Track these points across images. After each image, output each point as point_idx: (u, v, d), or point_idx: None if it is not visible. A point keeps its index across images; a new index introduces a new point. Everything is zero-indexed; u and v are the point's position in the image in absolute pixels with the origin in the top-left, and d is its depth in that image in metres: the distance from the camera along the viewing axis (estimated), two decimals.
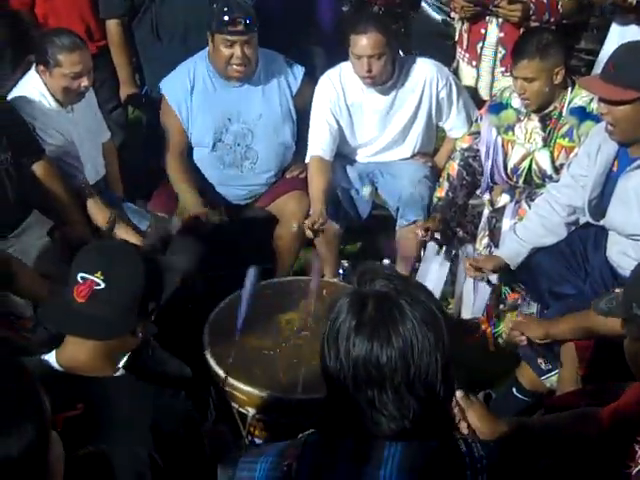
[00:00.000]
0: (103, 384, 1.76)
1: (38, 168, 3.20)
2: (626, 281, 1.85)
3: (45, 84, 3.28)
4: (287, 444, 1.51)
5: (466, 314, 3.47)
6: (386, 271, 1.49)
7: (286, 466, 1.43)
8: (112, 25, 3.87)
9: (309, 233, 3.33)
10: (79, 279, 1.78)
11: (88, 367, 1.77)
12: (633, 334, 1.71)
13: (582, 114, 3.10)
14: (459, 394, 2.05)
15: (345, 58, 3.50)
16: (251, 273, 2.57)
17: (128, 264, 1.81)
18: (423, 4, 4.04)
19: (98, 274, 1.76)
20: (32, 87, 3.31)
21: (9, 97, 3.30)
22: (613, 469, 1.81)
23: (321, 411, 1.48)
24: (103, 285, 1.76)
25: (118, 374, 1.82)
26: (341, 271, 3.59)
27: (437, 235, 3.41)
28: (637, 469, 1.73)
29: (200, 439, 1.83)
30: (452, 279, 3.53)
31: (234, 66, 3.44)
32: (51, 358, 1.80)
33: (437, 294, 3.36)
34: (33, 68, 3.33)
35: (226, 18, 3.33)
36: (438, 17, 3.97)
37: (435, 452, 1.40)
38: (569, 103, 3.16)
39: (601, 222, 2.84)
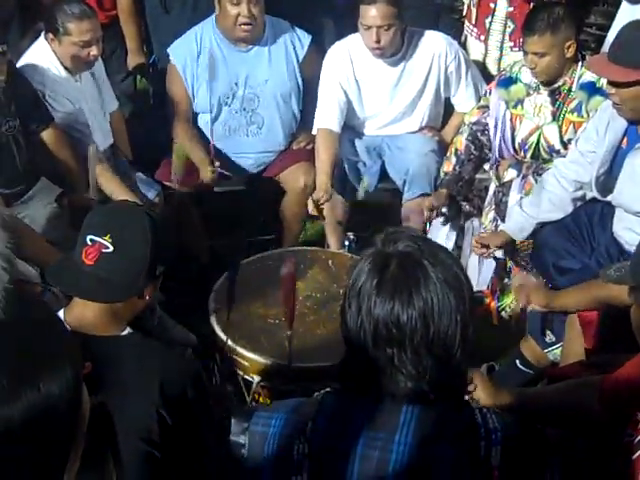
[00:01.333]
0: (111, 343, 1.78)
1: (47, 135, 3.21)
2: (634, 252, 1.85)
3: (54, 52, 3.28)
4: (303, 402, 1.52)
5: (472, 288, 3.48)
6: (411, 233, 1.48)
7: (301, 424, 1.44)
8: None
9: (312, 209, 3.34)
10: (88, 241, 1.78)
11: (96, 327, 1.79)
12: None
13: (592, 89, 3.09)
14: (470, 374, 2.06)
15: (354, 30, 3.49)
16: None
17: (137, 228, 1.80)
18: None
19: (107, 237, 1.76)
20: (41, 55, 3.31)
21: (18, 65, 3.30)
22: (616, 438, 1.82)
23: (339, 370, 1.48)
24: (111, 248, 1.76)
25: (125, 333, 1.83)
26: (347, 243, 3.60)
27: (444, 209, 3.41)
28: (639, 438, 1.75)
29: (206, 398, 1.85)
30: (457, 252, 3.54)
31: (242, 26, 3.45)
32: (59, 317, 1.80)
33: None
34: (42, 36, 3.33)
35: None
36: None
37: (450, 421, 1.40)
38: (579, 78, 3.15)
39: (608, 198, 2.84)
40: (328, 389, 1.50)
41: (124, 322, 1.84)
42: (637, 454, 1.73)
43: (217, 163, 3.45)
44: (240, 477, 1.53)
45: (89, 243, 1.77)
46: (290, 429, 1.45)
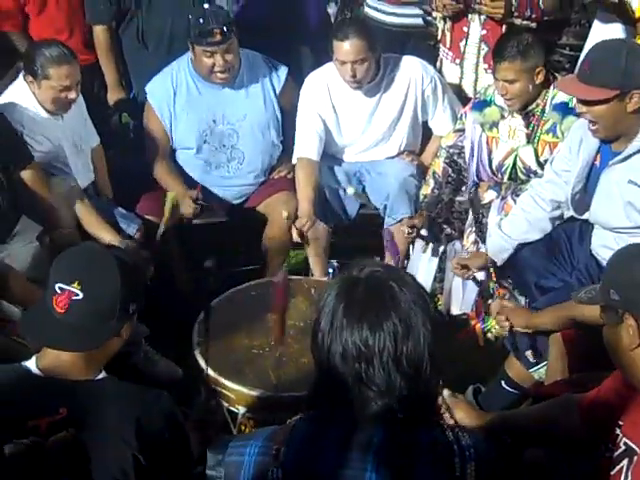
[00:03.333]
0: (86, 388, 1.76)
1: (27, 174, 3.21)
2: (604, 272, 1.88)
3: (33, 93, 3.29)
4: (276, 429, 1.54)
5: (455, 310, 3.50)
6: (376, 262, 1.56)
7: (275, 450, 1.46)
8: (99, 31, 3.90)
9: (296, 237, 3.35)
10: (57, 290, 1.75)
11: (70, 372, 1.77)
12: (611, 320, 1.74)
13: (565, 109, 3.13)
14: (446, 393, 2.09)
15: (331, 58, 3.53)
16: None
17: (104, 270, 1.77)
18: None
19: (75, 284, 1.74)
20: (20, 95, 3.32)
21: None
22: (596, 453, 1.84)
23: (310, 394, 1.51)
24: (81, 295, 1.73)
25: (100, 377, 1.81)
26: (330, 270, 3.61)
27: (424, 232, 3.43)
28: (618, 452, 1.76)
29: (184, 437, 1.84)
30: (440, 276, 3.56)
31: (217, 74, 3.48)
32: (31, 364, 1.78)
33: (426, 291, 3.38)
34: (21, 76, 3.35)
35: (202, 30, 3.35)
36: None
37: (423, 439, 1.43)
38: (552, 99, 3.19)
39: (585, 216, 2.88)
40: (301, 415, 1.51)
41: (100, 365, 1.83)
42: (616, 469, 1.74)
43: (200, 196, 3.47)
44: None
45: (58, 292, 1.75)
46: (264, 456, 1.47)
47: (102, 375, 1.82)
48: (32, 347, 1.89)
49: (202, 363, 2.65)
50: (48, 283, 1.78)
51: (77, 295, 1.73)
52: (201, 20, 3.35)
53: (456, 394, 2.15)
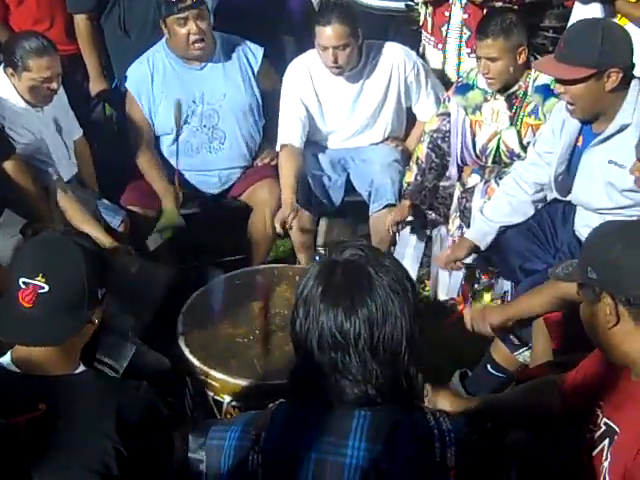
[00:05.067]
0: (64, 382, 1.74)
1: (8, 166, 3.20)
2: (581, 249, 1.87)
3: (13, 85, 3.27)
4: (256, 414, 1.54)
5: (442, 295, 3.50)
6: (359, 243, 1.51)
7: (254, 436, 1.46)
8: (80, 20, 3.86)
9: (279, 229, 3.34)
10: (21, 284, 1.71)
11: (46, 367, 1.74)
12: (588, 298, 1.73)
13: (546, 91, 3.12)
14: (428, 387, 2.08)
15: (314, 45, 3.51)
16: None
17: (67, 259, 1.74)
18: None
19: (39, 277, 1.70)
20: (1, 87, 3.30)
21: None
22: (578, 434, 1.84)
23: (289, 378, 1.50)
24: (47, 288, 1.70)
25: (79, 371, 1.79)
26: (317, 258, 3.60)
27: (409, 219, 3.43)
28: (599, 432, 1.76)
29: (165, 427, 1.83)
30: (427, 261, 3.56)
31: (195, 44, 3.47)
32: (6, 360, 1.76)
33: (413, 277, 3.38)
34: (0, 68, 3.32)
35: None
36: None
37: (403, 423, 1.42)
38: (533, 81, 3.18)
39: (568, 197, 2.87)
40: (281, 400, 1.51)
41: (76, 355, 1.81)
42: (597, 449, 1.75)
43: (179, 191, 3.47)
44: None
45: (23, 286, 1.71)
46: (244, 441, 1.47)
47: (81, 369, 1.80)
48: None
49: (187, 353, 2.65)
50: (11, 278, 1.74)
51: (43, 288, 1.70)
52: None
53: (437, 386, 2.14)
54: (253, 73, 3.67)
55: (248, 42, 3.70)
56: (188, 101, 3.58)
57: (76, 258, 1.74)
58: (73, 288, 1.74)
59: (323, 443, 1.42)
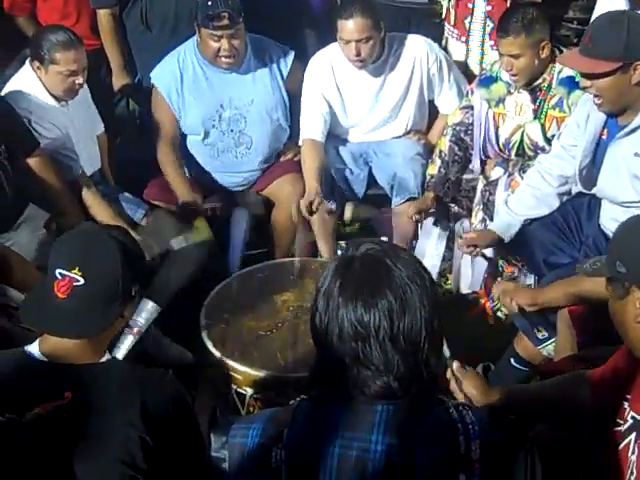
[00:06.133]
0: (90, 371, 1.75)
1: (33, 161, 3.22)
2: (609, 243, 1.86)
3: (40, 79, 3.30)
4: (278, 410, 1.54)
5: (464, 289, 3.48)
6: (374, 239, 1.53)
7: (278, 432, 1.46)
8: (103, 15, 3.88)
9: (305, 213, 3.33)
10: (57, 275, 1.73)
11: (74, 356, 1.75)
12: (617, 293, 1.72)
13: (571, 84, 3.09)
14: (455, 365, 2.08)
15: (336, 38, 3.50)
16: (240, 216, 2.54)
17: (104, 253, 1.75)
18: None
19: (76, 270, 1.72)
20: (27, 81, 3.32)
21: (3, 91, 3.32)
22: (604, 428, 1.82)
23: (311, 374, 1.50)
24: (82, 281, 1.71)
25: (104, 359, 1.80)
26: (339, 252, 3.60)
27: (431, 212, 3.41)
28: (626, 426, 1.75)
29: (191, 417, 1.83)
30: (449, 255, 3.54)
31: (223, 58, 3.45)
32: (34, 349, 1.77)
33: (435, 270, 3.38)
34: (27, 63, 3.35)
35: (210, 13, 3.31)
36: None
37: (426, 417, 1.42)
38: (558, 74, 3.15)
39: (593, 191, 2.84)
40: (303, 396, 1.51)
41: (103, 347, 1.82)
42: (624, 443, 1.73)
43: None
44: None
45: (59, 277, 1.73)
46: (267, 438, 1.47)
47: (106, 357, 1.81)
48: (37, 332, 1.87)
49: (210, 346, 2.66)
50: (48, 268, 1.76)
51: (78, 281, 1.71)
52: (209, 3, 3.31)
53: (465, 366, 2.13)
54: (282, 77, 3.63)
55: (279, 46, 3.66)
56: (216, 105, 3.56)
57: (113, 253, 1.75)
58: (108, 283, 1.74)
59: (346, 438, 1.41)
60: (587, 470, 1.90)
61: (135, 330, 2.54)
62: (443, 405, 1.47)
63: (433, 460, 1.38)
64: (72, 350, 1.75)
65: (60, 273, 1.73)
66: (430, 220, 3.48)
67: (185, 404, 1.81)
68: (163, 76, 3.60)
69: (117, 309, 1.78)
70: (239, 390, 2.58)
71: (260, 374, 2.53)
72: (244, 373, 2.54)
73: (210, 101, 3.56)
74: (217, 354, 2.60)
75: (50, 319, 1.75)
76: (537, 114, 3.20)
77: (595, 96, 2.65)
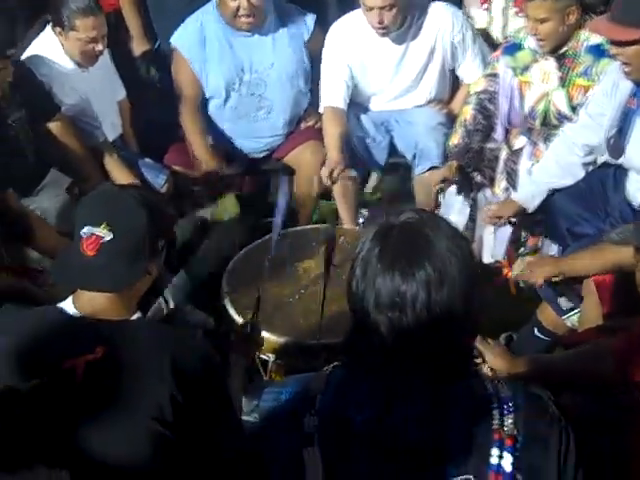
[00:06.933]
0: (122, 327, 1.78)
1: (54, 126, 3.22)
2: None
3: (61, 44, 3.28)
4: (311, 376, 1.52)
5: (487, 258, 3.46)
6: (414, 208, 1.50)
7: (310, 398, 1.45)
8: None
9: (327, 181, 3.31)
10: (85, 233, 1.76)
11: (106, 312, 1.78)
12: None
13: (598, 52, 3.04)
14: (477, 339, 2.06)
15: (358, 6, 3.46)
16: (284, 181, 2.57)
17: (130, 209, 1.78)
18: None
19: (103, 226, 1.74)
20: (48, 47, 3.33)
21: (23, 56, 3.31)
22: (629, 399, 1.82)
23: (345, 341, 1.48)
24: (110, 236, 1.74)
25: (135, 317, 1.83)
26: (361, 220, 3.59)
27: (454, 181, 3.39)
28: None
29: (220, 376, 1.85)
30: (472, 225, 3.52)
31: (242, 18, 3.42)
32: (68, 305, 1.80)
33: None
34: (49, 27, 3.33)
35: None
36: None
37: (461, 390, 1.40)
38: (585, 41, 3.10)
39: (620, 160, 2.81)
40: (337, 363, 1.50)
41: (134, 304, 1.85)
42: None
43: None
44: (254, 454, 1.53)
45: (87, 234, 1.75)
46: (300, 403, 1.46)
47: (137, 315, 1.84)
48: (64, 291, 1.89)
49: (232, 312, 2.66)
50: (75, 226, 1.79)
51: (106, 237, 1.74)
52: None
53: (487, 339, 2.13)
54: (303, 41, 3.62)
55: (301, 10, 3.64)
56: (237, 68, 3.55)
57: (138, 208, 1.78)
58: (134, 237, 1.77)
59: (379, 407, 1.40)
60: (614, 439, 1.89)
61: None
62: (478, 378, 1.45)
63: (465, 432, 1.37)
64: (103, 306, 1.78)
65: (87, 231, 1.75)
66: (452, 189, 3.46)
67: (214, 363, 1.83)
68: (185, 39, 3.58)
69: (144, 264, 1.81)
70: (262, 356, 2.59)
71: (282, 340, 2.53)
72: (267, 339, 2.54)
73: (231, 64, 3.55)
74: (240, 320, 2.59)
75: (81, 275, 1.78)
76: (563, 82, 3.15)
77: (624, 64, 2.61)
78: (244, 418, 1.52)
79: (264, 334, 2.54)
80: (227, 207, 3.47)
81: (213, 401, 1.78)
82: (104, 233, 1.74)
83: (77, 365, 1.69)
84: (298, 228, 3.28)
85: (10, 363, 1.72)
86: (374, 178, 3.55)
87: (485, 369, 2.05)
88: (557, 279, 2.65)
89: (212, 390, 1.78)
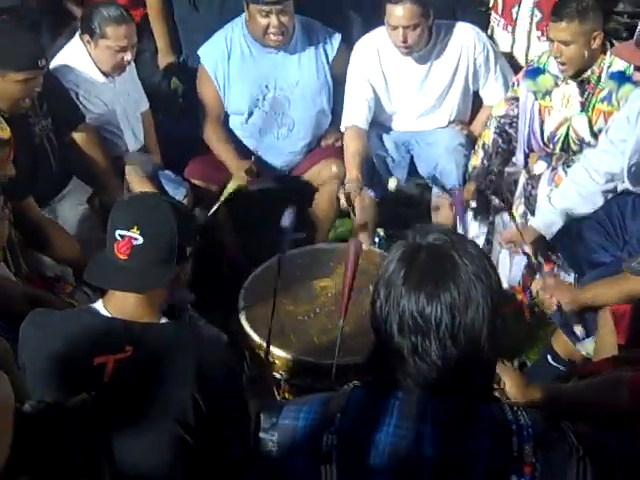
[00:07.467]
0: (149, 328, 1.85)
1: (78, 135, 3.25)
2: None
3: (89, 53, 3.31)
4: (331, 395, 1.52)
5: (502, 283, 3.44)
6: (442, 227, 1.51)
7: (330, 416, 1.45)
8: None
9: (344, 202, 3.32)
10: (117, 236, 1.84)
11: (135, 314, 1.86)
12: None
13: (621, 78, 3.05)
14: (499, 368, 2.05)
15: (381, 23, 3.47)
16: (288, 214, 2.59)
17: (160, 215, 1.86)
18: None
19: (135, 229, 1.82)
20: (76, 55, 3.35)
21: (51, 64, 3.33)
22: None
23: (367, 361, 1.49)
24: (141, 239, 1.82)
25: (163, 320, 1.90)
26: (377, 239, 3.59)
27: (472, 204, 3.39)
28: None
29: (239, 383, 1.92)
30: (488, 248, 3.51)
31: (271, 35, 3.44)
32: (99, 306, 1.89)
33: None
34: (77, 36, 3.36)
35: None
36: None
37: (481, 415, 1.40)
38: (608, 67, 3.10)
39: None
40: (356, 382, 1.50)
41: (162, 308, 1.91)
42: None
43: (254, 167, 3.46)
44: (270, 471, 1.53)
45: (119, 238, 1.84)
46: (319, 421, 1.46)
47: (164, 319, 1.91)
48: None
49: (247, 328, 2.67)
50: (107, 232, 1.87)
51: (137, 239, 1.83)
52: None
53: (505, 361, 2.12)
54: (328, 61, 3.63)
55: (327, 29, 3.65)
56: (261, 85, 3.57)
57: (168, 214, 1.86)
58: (165, 241, 1.85)
59: (399, 427, 1.40)
60: (625, 471, 1.88)
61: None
62: (498, 404, 1.45)
63: (484, 458, 1.37)
64: (133, 307, 1.86)
65: (120, 234, 1.83)
66: (470, 213, 3.46)
67: (235, 369, 1.91)
68: (210, 54, 3.61)
69: (173, 268, 1.88)
70: (274, 374, 2.59)
71: (297, 359, 2.53)
72: (281, 357, 2.55)
73: (255, 81, 3.57)
74: (255, 337, 2.60)
75: (113, 277, 1.87)
76: (584, 107, 3.15)
77: None
78: (261, 435, 1.52)
79: (277, 352, 2.55)
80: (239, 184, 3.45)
81: (231, 407, 1.84)
82: (136, 235, 1.82)
83: (107, 363, 1.78)
84: (315, 246, 3.28)
85: (49, 361, 1.82)
86: (394, 180, 3.49)
87: (497, 392, 2.04)
88: (572, 307, 2.64)
89: (231, 396, 1.84)
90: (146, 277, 1.84)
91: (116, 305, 1.87)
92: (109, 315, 1.86)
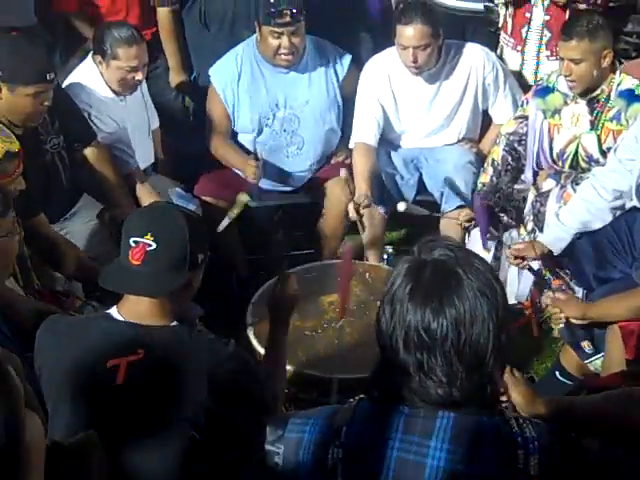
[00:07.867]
0: (162, 332, 1.89)
1: (89, 153, 3.29)
2: None
3: (101, 73, 3.36)
4: (337, 408, 1.53)
5: (510, 299, 3.43)
6: (448, 242, 1.48)
7: (336, 430, 1.45)
8: (163, 13, 3.91)
9: (353, 214, 3.33)
10: (132, 243, 1.89)
11: (148, 318, 1.89)
12: None
13: (630, 97, 3.05)
14: (505, 370, 2.05)
15: (391, 42, 3.50)
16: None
17: (173, 222, 1.91)
18: None
19: (148, 236, 1.87)
20: (88, 75, 3.40)
21: (64, 83, 3.39)
22: None
23: (372, 376, 1.50)
24: (154, 245, 1.87)
25: (174, 324, 1.93)
26: (385, 256, 3.60)
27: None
28: None
29: (249, 385, 1.93)
30: (496, 265, 3.51)
31: (282, 55, 3.48)
32: (113, 311, 1.93)
33: None
34: (90, 57, 3.41)
35: (272, 10, 3.35)
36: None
37: (487, 428, 1.41)
38: (617, 86, 3.11)
39: None
40: (362, 396, 1.50)
41: (174, 313, 1.94)
42: None
43: (261, 157, 3.49)
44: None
45: (133, 245, 1.88)
46: (325, 435, 1.46)
47: (176, 323, 1.94)
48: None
49: (255, 343, 2.67)
50: (122, 241, 1.92)
51: (150, 245, 1.87)
52: (272, 0, 3.36)
53: (515, 372, 2.11)
54: (338, 80, 3.66)
55: (337, 49, 3.69)
56: (271, 104, 3.60)
57: (180, 221, 1.91)
58: (177, 247, 1.89)
59: (405, 442, 1.41)
60: None
61: None
62: (503, 417, 1.45)
63: (490, 472, 1.37)
64: (146, 311, 1.90)
65: (134, 241, 1.88)
66: (478, 229, 3.46)
67: (245, 372, 1.93)
68: (221, 74, 3.64)
69: (185, 274, 1.91)
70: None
71: (305, 374, 2.54)
72: (289, 372, 2.54)
73: (265, 100, 3.60)
74: (263, 352, 2.60)
75: (126, 281, 1.91)
76: (593, 125, 3.16)
77: None
78: (267, 447, 1.52)
79: (287, 367, 2.55)
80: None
81: (241, 409, 1.88)
82: (149, 241, 1.86)
83: (120, 365, 1.81)
84: (324, 262, 3.29)
85: (67, 366, 1.86)
86: (403, 203, 3.50)
87: (505, 405, 2.04)
88: (581, 323, 2.63)
89: (241, 398, 1.88)
90: (159, 282, 1.89)
91: (129, 310, 1.91)
92: (122, 319, 1.91)
